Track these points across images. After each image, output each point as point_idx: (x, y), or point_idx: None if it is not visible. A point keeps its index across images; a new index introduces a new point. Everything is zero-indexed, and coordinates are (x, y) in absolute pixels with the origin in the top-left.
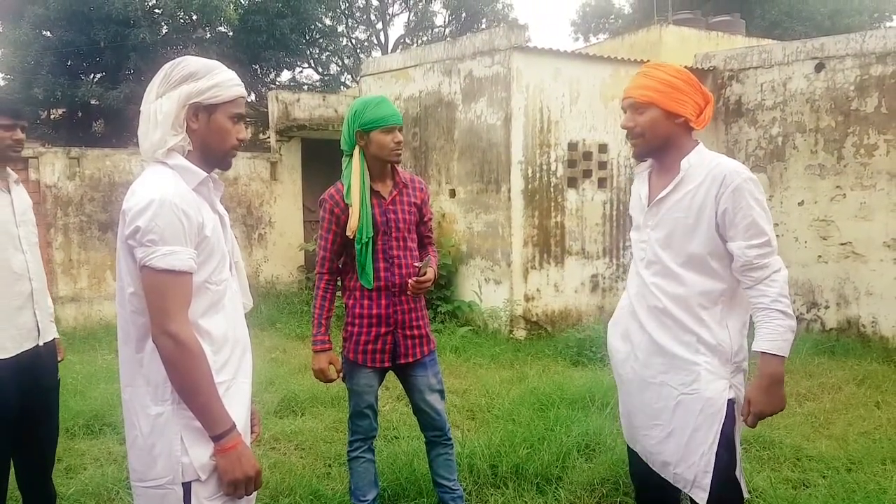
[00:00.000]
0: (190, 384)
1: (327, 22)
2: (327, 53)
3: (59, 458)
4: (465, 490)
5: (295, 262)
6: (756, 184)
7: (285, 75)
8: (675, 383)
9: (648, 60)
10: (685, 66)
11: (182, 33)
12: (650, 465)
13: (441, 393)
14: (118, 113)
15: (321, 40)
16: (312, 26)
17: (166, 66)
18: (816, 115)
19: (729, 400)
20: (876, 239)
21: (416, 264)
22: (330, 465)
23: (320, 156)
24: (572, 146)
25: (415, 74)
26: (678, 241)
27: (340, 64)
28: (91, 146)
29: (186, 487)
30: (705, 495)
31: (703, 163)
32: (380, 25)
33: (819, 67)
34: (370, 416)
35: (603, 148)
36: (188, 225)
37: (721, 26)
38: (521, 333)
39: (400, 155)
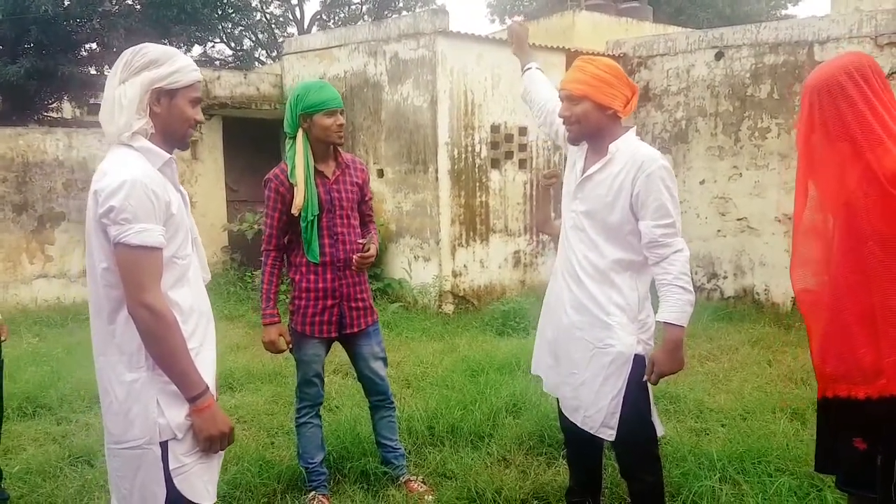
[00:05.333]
0: (167, 351)
1: None
2: (240, 28)
3: None
4: (405, 450)
5: (219, 243)
6: (669, 172)
7: (196, 50)
8: (592, 338)
9: (565, 47)
10: (597, 53)
11: (87, 6)
12: (564, 410)
13: (384, 360)
14: (19, 89)
15: (234, 15)
16: (225, 1)
17: (127, 52)
18: (716, 101)
19: (639, 354)
20: (768, 214)
21: (360, 241)
22: (274, 436)
23: (243, 135)
24: (495, 128)
25: (339, 55)
26: (599, 215)
27: (254, 39)
28: None
29: (164, 446)
30: (613, 432)
31: (628, 149)
32: (295, 1)
33: (719, 56)
34: (318, 384)
35: (523, 131)
36: (157, 204)
37: (630, 12)
38: (449, 308)
39: (342, 137)
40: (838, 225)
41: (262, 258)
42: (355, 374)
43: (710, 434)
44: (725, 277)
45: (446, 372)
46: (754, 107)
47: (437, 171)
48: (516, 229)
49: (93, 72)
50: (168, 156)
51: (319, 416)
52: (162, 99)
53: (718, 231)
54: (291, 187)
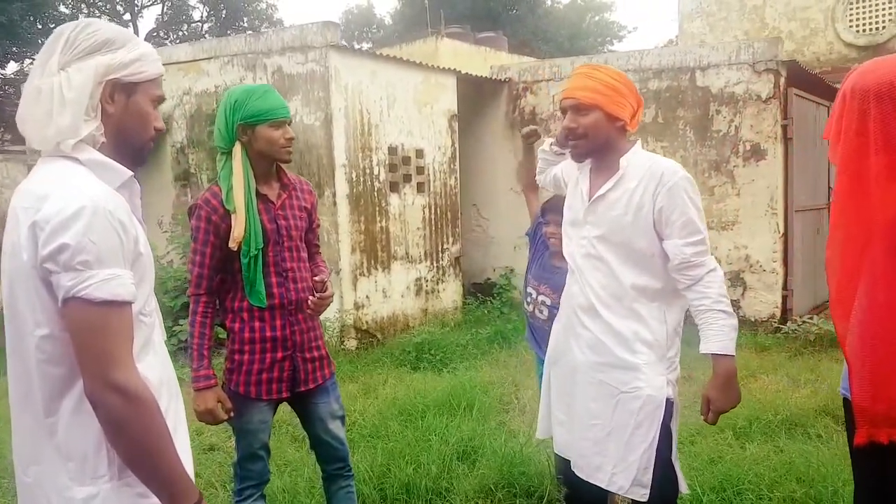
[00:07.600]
0: (148, 449)
1: (64, 10)
2: None
3: None
4: None
5: None
6: (691, 183)
7: (11, 68)
8: (615, 382)
9: (455, 69)
10: (483, 76)
11: None
12: (578, 472)
13: (342, 419)
14: None
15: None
16: (47, 14)
17: (66, 28)
18: None
19: (669, 398)
20: None
21: (317, 278)
22: None
23: None
24: (392, 150)
25: (209, 68)
26: (617, 238)
27: None
28: None
29: None
30: (646, 492)
31: (641, 161)
32: (128, 17)
33: None
34: (264, 458)
35: (420, 153)
36: (126, 240)
37: (487, 42)
38: (352, 343)
39: (291, 153)
40: (888, 245)
41: (191, 305)
42: (308, 441)
43: None
44: None
45: (377, 419)
46: (640, 131)
47: (335, 194)
48: (417, 255)
49: None
50: (129, 173)
51: (264, 497)
52: (117, 95)
53: None
54: (227, 215)
